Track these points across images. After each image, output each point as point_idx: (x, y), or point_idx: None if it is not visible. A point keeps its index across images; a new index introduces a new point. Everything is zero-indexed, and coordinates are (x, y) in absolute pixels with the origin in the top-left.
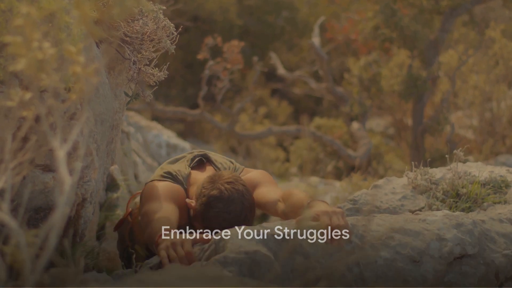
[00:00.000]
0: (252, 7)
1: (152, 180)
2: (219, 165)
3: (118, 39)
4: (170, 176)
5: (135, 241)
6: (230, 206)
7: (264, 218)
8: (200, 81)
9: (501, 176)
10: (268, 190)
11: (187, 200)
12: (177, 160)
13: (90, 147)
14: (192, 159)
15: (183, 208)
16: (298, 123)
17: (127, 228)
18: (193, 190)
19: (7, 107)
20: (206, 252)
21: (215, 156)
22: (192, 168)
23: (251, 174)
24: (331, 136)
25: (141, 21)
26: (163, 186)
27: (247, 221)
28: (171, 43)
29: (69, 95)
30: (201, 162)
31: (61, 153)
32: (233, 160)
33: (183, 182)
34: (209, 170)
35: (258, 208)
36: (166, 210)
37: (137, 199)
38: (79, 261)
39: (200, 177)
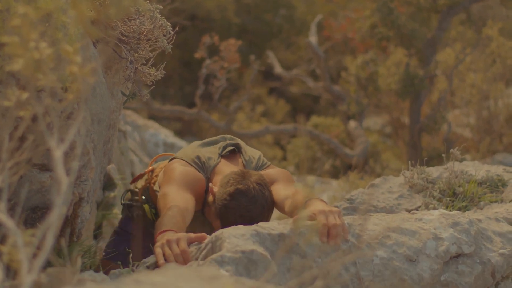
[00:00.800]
0: (250, 5)
1: (180, 159)
2: (248, 158)
3: (115, 39)
4: (198, 163)
5: (147, 199)
6: (251, 205)
7: None
8: (197, 80)
9: (497, 175)
10: (283, 188)
11: (211, 184)
12: (209, 144)
13: (87, 146)
14: (224, 147)
15: (199, 198)
16: (296, 122)
17: (144, 183)
18: (218, 179)
19: (4, 106)
20: (202, 251)
21: (246, 147)
22: (223, 156)
23: (271, 171)
24: (328, 135)
25: (138, 20)
26: (187, 173)
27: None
28: (168, 43)
29: (66, 94)
30: (232, 151)
31: (58, 153)
32: (261, 154)
33: (209, 171)
34: (237, 162)
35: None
36: (184, 201)
37: (160, 164)
38: (76, 260)
39: (227, 168)
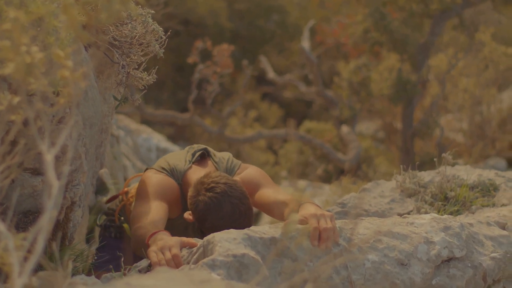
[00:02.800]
0: (243, 11)
1: (151, 168)
2: (217, 160)
3: (106, 43)
4: (167, 169)
5: (124, 219)
6: (220, 212)
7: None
8: (190, 85)
9: (489, 179)
10: (271, 192)
11: (185, 215)
12: (177, 154)
13: (79, 150)
14: (193, 154)
15: (174, 203)
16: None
17: (119, 204)
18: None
19: None
20: (194, 255)
21: (214, 151)
22: (194, 162)
23: (251, 172)
24: (321, 140)
25: (130, 25)
26: (157, 181)
27: (245, 215)
28: (160, 47)
29: (58, 99)
30: (202, 156)
31: (48, 157)
32: (231, 155)
33: (179, 178)
34: (207, 164)
35: (262, 210)
36: (155, 211)
37: (134, 185)
38: (68, 264)
39: (198, 173)
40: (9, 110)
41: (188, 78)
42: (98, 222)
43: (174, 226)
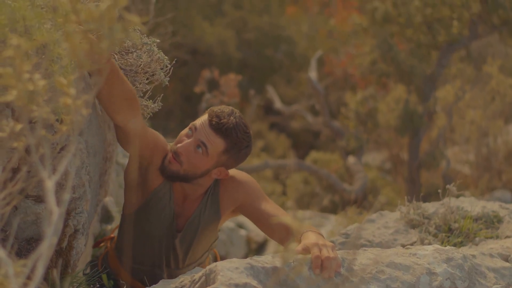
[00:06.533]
0: (251, 40)
1: None
2: None
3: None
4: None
5: (106, 267)
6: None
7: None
8: (197, 114)
9: (493, 211)
10: (275, 209)
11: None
12: None
13: (83, 178)
14: None
15: (156, 165)
16: (295, 157)
17: (103, 252)
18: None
19: None
20: (196, 284)
21: None
22: None
23: (244, 176)
24: (328, 170)
25: (135, 53)
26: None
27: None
28: (165, 76)
29: (60, 126)
30: None
31: (49, 184)
32: None
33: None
34: None
35: (258, 224)
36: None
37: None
38: None
39: None
40: (11, 137)
41: (195, 107)
42: (84, 271)
43: (160, 197)
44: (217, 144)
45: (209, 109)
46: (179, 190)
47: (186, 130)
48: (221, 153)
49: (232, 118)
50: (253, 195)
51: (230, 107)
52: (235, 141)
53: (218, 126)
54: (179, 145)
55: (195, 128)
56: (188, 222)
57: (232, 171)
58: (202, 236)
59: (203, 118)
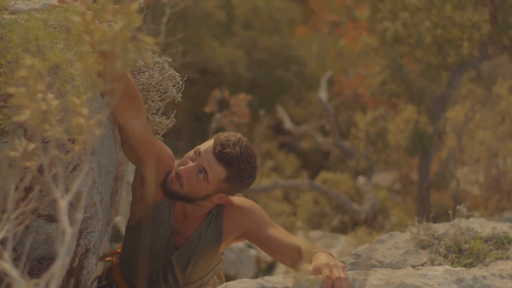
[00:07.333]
0: (261, 60)
1: None
2: None
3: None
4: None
5: (110, 282)
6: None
7: (269, 270)
8: (207, 134)
9: (503, 232)
10: (285, 234)
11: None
12: None
13: (94, 198)
14: None
15: (161, 165)
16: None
17: (106, 267)
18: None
19: (11, 157)
20: None
21: None
22: None
23: (254, 204)
24: (337, 190)
25: (147, 73)
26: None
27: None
28: (177, 92)
29: (73, 146)
30: None
31: (62, 203)
32: None
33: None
34: None
35: (268, 251)
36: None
37: None
38: None
39: None
40: (24, 156)
41: (205, 127)
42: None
43: (160, 211)
44: (218, 172)
45: (216, 135)
46: (180, 207)
47: (191, 153)
48: (222, 181)
49: (237, 147)
50: (259, 222)
51: (238, 135)
52: (237, 171)
53: (220, 155)
54: (182, 167)
55: (199, 153)
56: (188, 242)
57: (238, 198)
58: (201, 258)
59: (209, 143)
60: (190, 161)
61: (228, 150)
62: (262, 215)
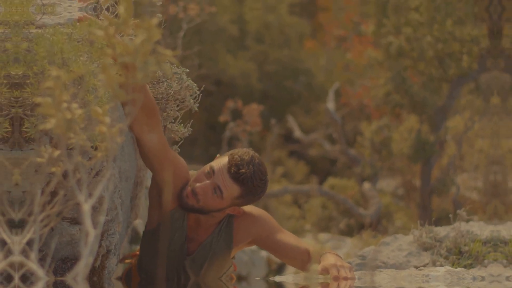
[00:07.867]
0: (272, 72)
1: None
2: None
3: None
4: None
5: (128, 284)
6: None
7: (280, 270)
8: (221, 142)
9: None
10: (294, 238)
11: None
12: None
13: (115, 202)
14: None
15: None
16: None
17: (126, 268)
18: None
19: (37, 163)
20: None
21: None
22: None
23: (264, 212)
24: (344, 195)
25: (165, 83)
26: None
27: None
28: (194, 102)
29: (96, 153)
30: None
31: (86, 207)
32: None
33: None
34: None
35: (278, 255)
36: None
37: None
38: None
39: None
40: (49, 162)
41: (219, 136)
42: None
43: (175, 219)
44: (233, 190)
45: (230, 154)
46: (193, 216)
47: (206, 169)
48: (236, 198)
49: (251, 166)
50: (268, 229)
51: (251, 153)
52: (251, 189)
53: (236, 176)
54: (198, 184)
55: (213, 171)
56: (200, 247)
57: (248, 206)
58: (213, 263)
59: (223, 162)
60: (205, 178)
61: (243, 170)
62: (271, 222)
